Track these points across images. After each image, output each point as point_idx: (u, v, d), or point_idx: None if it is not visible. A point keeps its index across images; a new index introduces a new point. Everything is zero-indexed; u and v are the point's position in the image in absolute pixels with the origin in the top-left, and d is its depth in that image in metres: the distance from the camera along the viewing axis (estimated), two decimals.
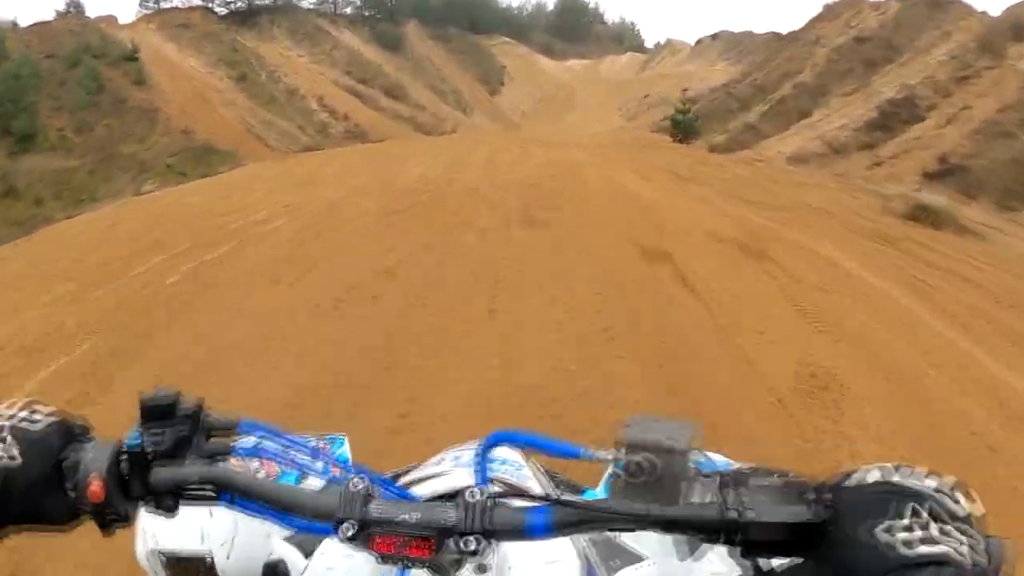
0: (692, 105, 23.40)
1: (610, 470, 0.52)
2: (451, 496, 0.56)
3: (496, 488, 0.56)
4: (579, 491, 0.84)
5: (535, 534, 0.52)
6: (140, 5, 32.74)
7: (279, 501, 0.55)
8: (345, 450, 0.87)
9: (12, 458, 0.53)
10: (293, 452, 0.63)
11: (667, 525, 0.49)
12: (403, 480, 0.77)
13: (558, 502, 0.52)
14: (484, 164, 14.50)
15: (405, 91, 30.36)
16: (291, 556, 0.77)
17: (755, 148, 18.04)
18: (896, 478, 0.43)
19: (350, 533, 0.52)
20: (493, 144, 18.83)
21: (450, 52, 37.64)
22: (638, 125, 26.83)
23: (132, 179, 16.83)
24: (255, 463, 0.65)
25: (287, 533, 0.77)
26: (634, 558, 0.73)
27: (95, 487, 0.53)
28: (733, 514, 0.46)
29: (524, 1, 75.50)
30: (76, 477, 0.54)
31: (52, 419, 0.56)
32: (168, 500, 0.56)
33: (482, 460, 0.61)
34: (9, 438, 0.54)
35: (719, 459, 0.64)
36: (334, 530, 0.53)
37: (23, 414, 0.55)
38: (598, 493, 0.79)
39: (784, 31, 29.09)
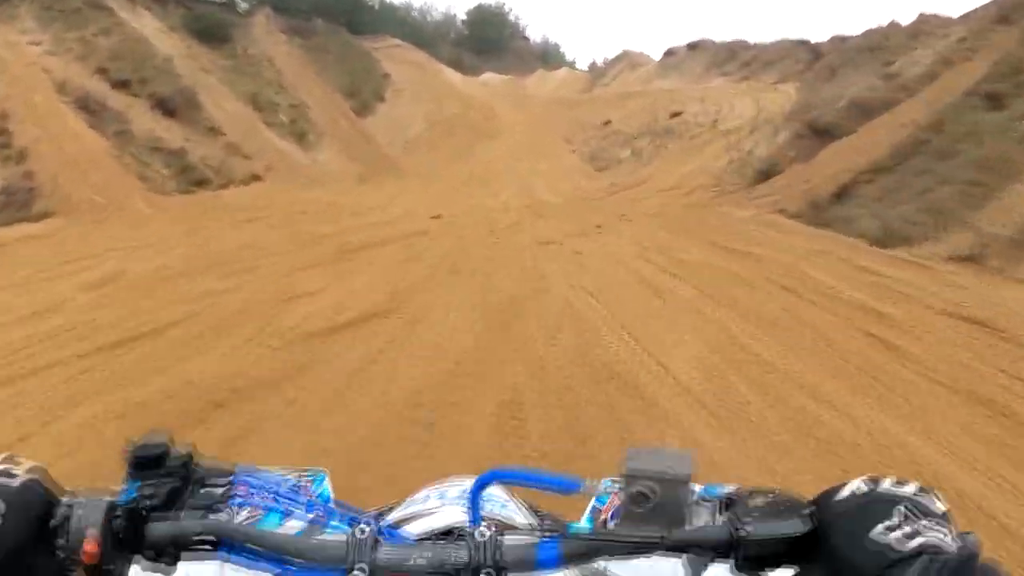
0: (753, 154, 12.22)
1: (591, 504, 0.62)
2: (446, 533, 0.63)
3: (491, 525, 0.55)
4: (563, 525, 0.73)
5: (546, 566, 0.53)
6: None
7: (284, 551, 0.54)
8: (326, 486, 0.83)
9: None
10: (275, 492, 0.61)
11: (677, 547, 0.50)
12: (390, 518, 0.75)
13: (567, 534, 0.54)
14: None
15: (198, 103, 17.33)
16: None
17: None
18: (878, 489, 0.48)
19: None
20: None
21: (309, 52, 24.79)
22: (620, 181, 15.43)
23: None
24: (245, 512, 0.62)
25: None
26: None
27: (89, 546, 0.51)
28: (740, 532, 0.49)
29: (428, 4, 64.05)
30: (67, 535, 0.52)
31: (30, 476, 0.53)
32: (167, 555, 0.54)
33: (474, 499, 0.59)
34: None
35: (714, 486, 0.59)
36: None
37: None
38: (580, 527, 0.76)
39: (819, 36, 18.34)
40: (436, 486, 0.83)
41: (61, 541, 0.51)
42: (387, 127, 20.52)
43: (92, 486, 0.54)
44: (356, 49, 26.82)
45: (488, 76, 32.11)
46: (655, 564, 0.53)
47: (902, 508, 0.46)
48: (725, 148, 13.44)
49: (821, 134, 10.98)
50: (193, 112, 17.41)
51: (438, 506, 0.77)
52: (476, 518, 0.59)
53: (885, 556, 0.44)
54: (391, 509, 0.80)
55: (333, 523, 0.62)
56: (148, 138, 14.70)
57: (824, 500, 0.50)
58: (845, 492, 0.49)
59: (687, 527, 0.52)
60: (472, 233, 8.43)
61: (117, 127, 15.00)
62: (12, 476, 0.52)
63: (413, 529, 0.69)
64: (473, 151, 18.67)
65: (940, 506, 0.47)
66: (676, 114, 18.34)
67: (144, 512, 0.54)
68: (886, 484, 0.48)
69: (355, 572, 0.52)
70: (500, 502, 0.81)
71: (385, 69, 26.34)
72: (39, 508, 0.52)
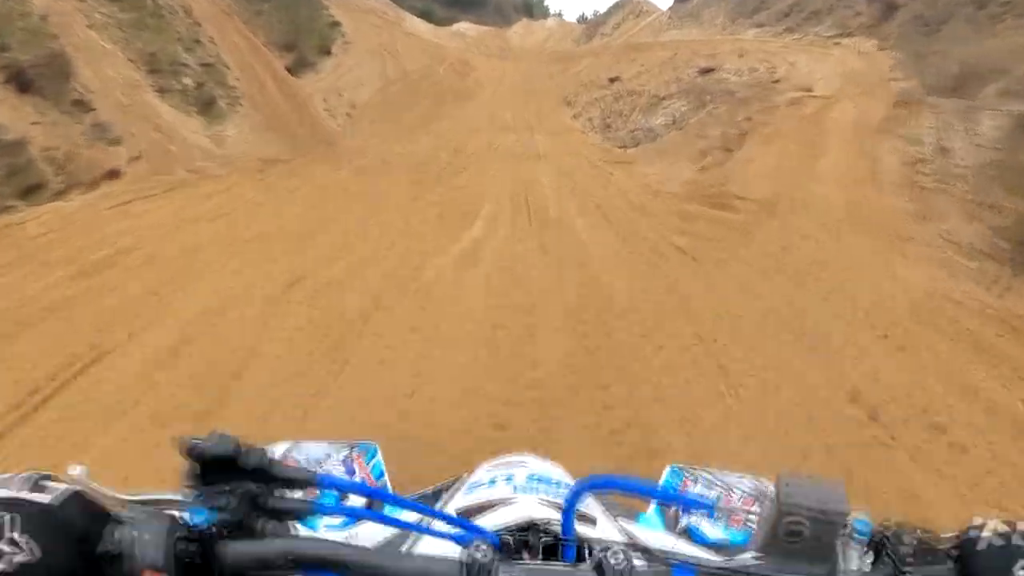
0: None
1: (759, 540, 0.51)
2: (524, 528, 0.59)
3: (619, 549, 0.51)
4: (633, 516, 0.77)
5: None
6: None
7: (384, 573, 0.48)
8: (379, 459, 0.81)
9: (26, 552, 0.41)
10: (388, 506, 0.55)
11: None
12: (450, 505, 0.71)
13: (702, 565, 0.50)
14: None
15: (68, 70, 12.42)
16: None
17: None
18: (1014, 538, 0.50)
19: None
20: None
21: None
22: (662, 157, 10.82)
23: None
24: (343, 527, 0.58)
25: None
26: None
27: None
28: (903, 573, 0.49)
29: None
30: (122, 566, 0.43)
31: (68, 493, 0.44)
32: None
33: (569, 509, 0.56)
34: (14, 526, 0.41)
35: (859, 520, 0.54)
36: None
37: (25, 493, 0.43)
38: (649, 518, 0.77)
39: None
40: (497, 465, 0.78)
41: (116, 571, 0.43)
42: (331, 88, 15.73)
43: (149, 491, 0.45)
44: None
45: (463, 26, 27.04)
46: None
47: None
48: (865, 130, 8.46)
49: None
50: (59, 84, 12.50)
51: (510, 495, 0.73)
52: (569, 530, 0.56)
53: None
54: (450, 488, 0.74)
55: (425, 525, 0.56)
56: None
57: (965, 543, 0.52)
58: (985, 541, 0.52)
59: (841, 567, 0.51)
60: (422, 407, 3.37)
61: None
62: (45, 495, 0.43)
63: (488, 521, 0.63)
64: (442, 119, 14.00)
65: None
66: (707, 70, 13.79)
67: (215, 531, 0.46)
68: (1021, 526, 0.52)
69: None
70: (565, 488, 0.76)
71: (335, 17, 21.29)
72: (81, 531, 0.44)
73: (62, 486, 0.45)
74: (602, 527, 0.72)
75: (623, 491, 0.55)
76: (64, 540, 0.43)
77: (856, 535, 0.52)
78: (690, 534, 0.93)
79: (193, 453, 0.48)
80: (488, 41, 24.73)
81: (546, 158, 10.45)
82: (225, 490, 0.47)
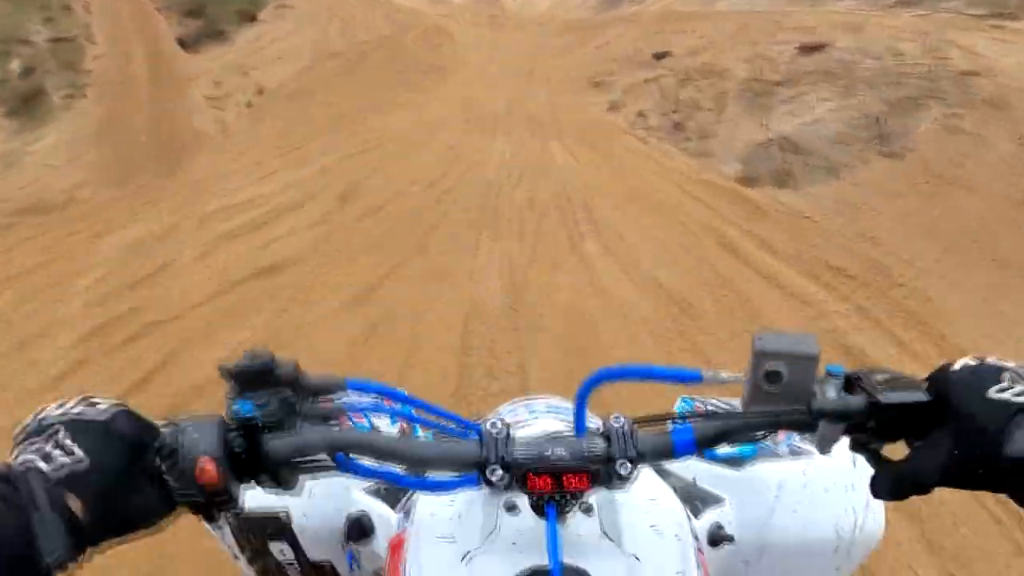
0: None
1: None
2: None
3: (620, 415, 0.55)
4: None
5: (681, 452, 0.54)
6: None
7: (411, 458, 0.53)
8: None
9: (76, 459, 0.43)
10: (407, 407, 0.58)
11: (815, 419, 0.53)
12: None
13: (700, 417, 0.55)
14: None
15: None
16: (376, 508, 0.73)
17: None
18: (986, 360, 0.53)
19: (498, 475, 0.51)
20: None
21: None
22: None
23: None
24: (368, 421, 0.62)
25: (366, 485, 0.74)
26: (715, 500, 0.77)
27: (209, 469, 0.46)
28: (878, 400, 0.52)
29: None
30: (176, 463, 0.47)
31: (116, 408, 0.48)
32: (287, 474, 0.52)
33: (581, 401, 0.57)
34: (66, 435, 0.44)
35: (834, 366, 0.58)
36: (479, 476, 0.52)
37: (77, 409, 0.47)
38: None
39: None
40: (514, 404, 0.79)
41: (170, 464, 0.47)
42: (236, 66, 10.41)
43: (192, 412, 0.50)
44: None
45: None
46: (751, 476, 0.56)
47: (1008, 374, 0.51)
48: None
49: None
50: None
51: (529, 418, 0.74)
52: (582, 426, 0.57)
53: (1007, 406, 0.49)
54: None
55: (443, 424, 0.59)
56: None
57: (939, 373, 0.54)
58: (957, 365, 0.54)
59: (818, 399, 0.54)
60: None
61: None
62: (95, 409, 0.47)
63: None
64: (393, 111, 8.56)
65: None
66: (813, 48, 8.73)
67: (260, 425, 0.50)
68: (991, 359, 0.54)
69: (491, 468, 0.50)
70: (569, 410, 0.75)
71: None
72: (130, 440, 0.47)
73: (109, 402, 0.48)
74: None
75: (638, 378, 0.55)
76: (115, 448, 0.45)
77: (830, 375, 0.55)
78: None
79: (232, 372, 0.51)
80: (475, 6, 19.27)
81: (593, 218, 5.12)
82: (267, 398, 0.50)
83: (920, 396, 0.53)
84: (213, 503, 0.48)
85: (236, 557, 0.77)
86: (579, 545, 0.60)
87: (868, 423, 0.53)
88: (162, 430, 0.48)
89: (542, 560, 0.57)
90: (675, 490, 0.72)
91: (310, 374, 0.54)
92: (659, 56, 10.98)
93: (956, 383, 0.52)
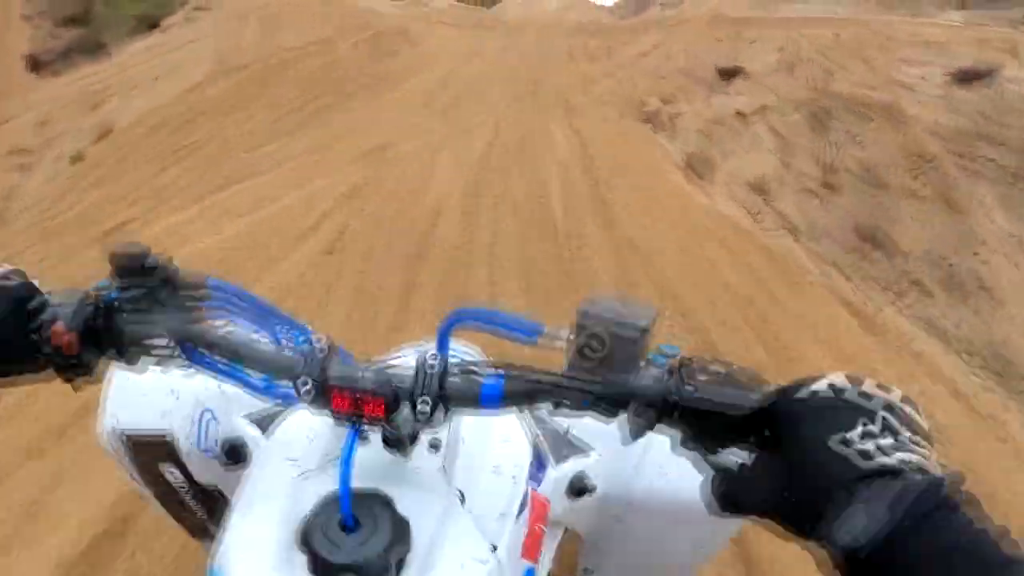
0: None
1: (567, 360, 0.51)
2: None
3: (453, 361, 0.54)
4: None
5: (488, 403, 0.52)
6: None
7: (240, 355, 0.54)
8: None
9: None
10: (261, 314, 0.59)
11: (615, 397, 0.49)
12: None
13: (511, 371, 0.52)
14: None
15: None
16: (250, 433, 0.74)
17: None
18: (847, 393, 0.41)
19: (307, 388, 0.51)
20: None
21: None
22: None
23: None
24: (221, 322, 0.60)
25: (247, 411, 0.75)
26: (582, 450, 0.76)
27: (58, 329, 0.51)
28: (682, 390, 0.46)
29: None
30: (40, 320, 0.52)
31: (10, 269, 0.54)
32: (133, 353, 0.54)
33: (443, 337, 0.55)
34: None
35: (674, 349, 0.52)
36: (293, 387, 0.52)
37: None
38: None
39: None
40: (411, 345, 0.81)
41: (35, 324, 0.52)
42: (93, 94, 7.07)
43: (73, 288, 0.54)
44: None
45: None
46: (613, 429, 0.51)
47: (868, 420, 0.40)
48: None
49: None
50: None
51: (406, 354, 0.76)
52: (444, 355, 0.56)
53: (845, 467, 0.38)
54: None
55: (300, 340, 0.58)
56: None
57: (786, 389, 0.44)
58: (811, 390, 0.42)
59: (631, 380, 0.48)
60: None
61: None
62: None
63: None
64: (240, 200, 4.47)
65: (921, 421, 0.41)
66: (973, 76, 5.38)
67: (118, 309, 0.54)
68: (857, 388, 0.42)
69: (302, 380, 0.51)
70: (474, 358, 0.77)
71: None
72: (17, 298, 0.52)
73: (5, 267, 0.54)
74: None
75: (488, 324, 0.52)
76: (3, 297, 0.51)
77: (655, 361, 0.49)
78: None
79: (112, 256, 0.53)
80: (460, 14, 15.88)
81: None
82: (131, 284, 0.53)
83: (742, 400, 0.45)
84: (69, 366, 0.52)
85: (133, 479, 0.78)
86: (407, 476, 0.60)
87: (682, 417, 0.46)
88: (46, 295, 0.53)
89: (373, 487, 0.57)
90: (546, 437, 0.73)
91: (180, 270, 0.55)
92: (727, 74, 7.72)
93: (795, 411, 0.42)
